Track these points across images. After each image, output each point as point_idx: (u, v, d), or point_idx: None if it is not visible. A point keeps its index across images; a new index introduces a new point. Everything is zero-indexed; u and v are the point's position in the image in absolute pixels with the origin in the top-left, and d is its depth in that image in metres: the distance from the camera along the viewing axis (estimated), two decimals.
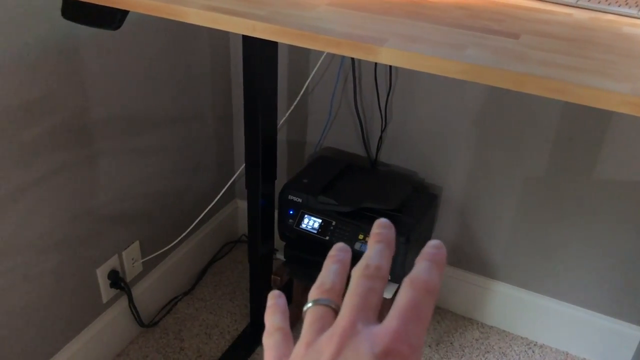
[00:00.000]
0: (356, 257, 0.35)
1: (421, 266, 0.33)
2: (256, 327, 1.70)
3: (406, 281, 0.33)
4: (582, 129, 1.47)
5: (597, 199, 1.53)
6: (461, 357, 1.71)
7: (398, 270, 1.47)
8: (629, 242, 1.54)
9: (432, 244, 0.35)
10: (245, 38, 1.29)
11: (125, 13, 1.01)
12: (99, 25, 1.02)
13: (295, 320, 1.76)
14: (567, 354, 1.75)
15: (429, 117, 1.63)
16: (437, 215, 1.75)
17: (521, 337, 1.80)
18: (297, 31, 0.81)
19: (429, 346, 1.74)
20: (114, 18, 1.01)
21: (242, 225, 2.10)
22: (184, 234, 1.82)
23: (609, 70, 0.74)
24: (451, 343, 1.76)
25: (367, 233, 1.49)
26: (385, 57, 0.78)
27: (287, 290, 1.80)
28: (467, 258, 1.79)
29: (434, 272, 0.32)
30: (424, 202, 1.61)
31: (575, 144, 1.49)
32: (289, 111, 1.80)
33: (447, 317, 1.85)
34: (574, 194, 1.55)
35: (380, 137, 1.69)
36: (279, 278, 1.55)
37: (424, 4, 0.94)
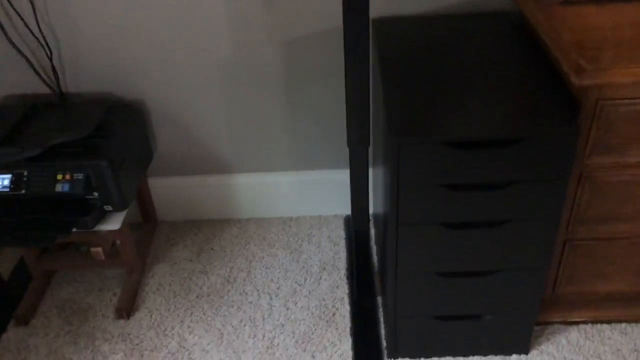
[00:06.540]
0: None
1: None
2: None
3: None
4: None
5: (282, 63, 1.55)
6: (224, 258, 1.69)
7: (113, 195, 1.36)
8: (327, 100, 1.60)
9: None
10: None
11: None
12: None
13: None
14: (320, 216, 1.83)
15: (100, 30, 1.47)
16: (151, 130, 1.65)
17: (276, 218, 1.83)
18: None
19: (190, 260, 1.68)
20: None
21: None
22: None
23: None
24: (212, 248, 1.72)
25: (65, 171, 1.34)
26: None
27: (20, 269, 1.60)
28: (200, 162, 1.73)
29: None
30: (125, 121, 1.49)
31: (246, 14, 1.47)
32: None
33: (204, 226, 1.81)
34: (262, 66, 1.55)
35: (53, 67, 1.50)
36: None
37: None
